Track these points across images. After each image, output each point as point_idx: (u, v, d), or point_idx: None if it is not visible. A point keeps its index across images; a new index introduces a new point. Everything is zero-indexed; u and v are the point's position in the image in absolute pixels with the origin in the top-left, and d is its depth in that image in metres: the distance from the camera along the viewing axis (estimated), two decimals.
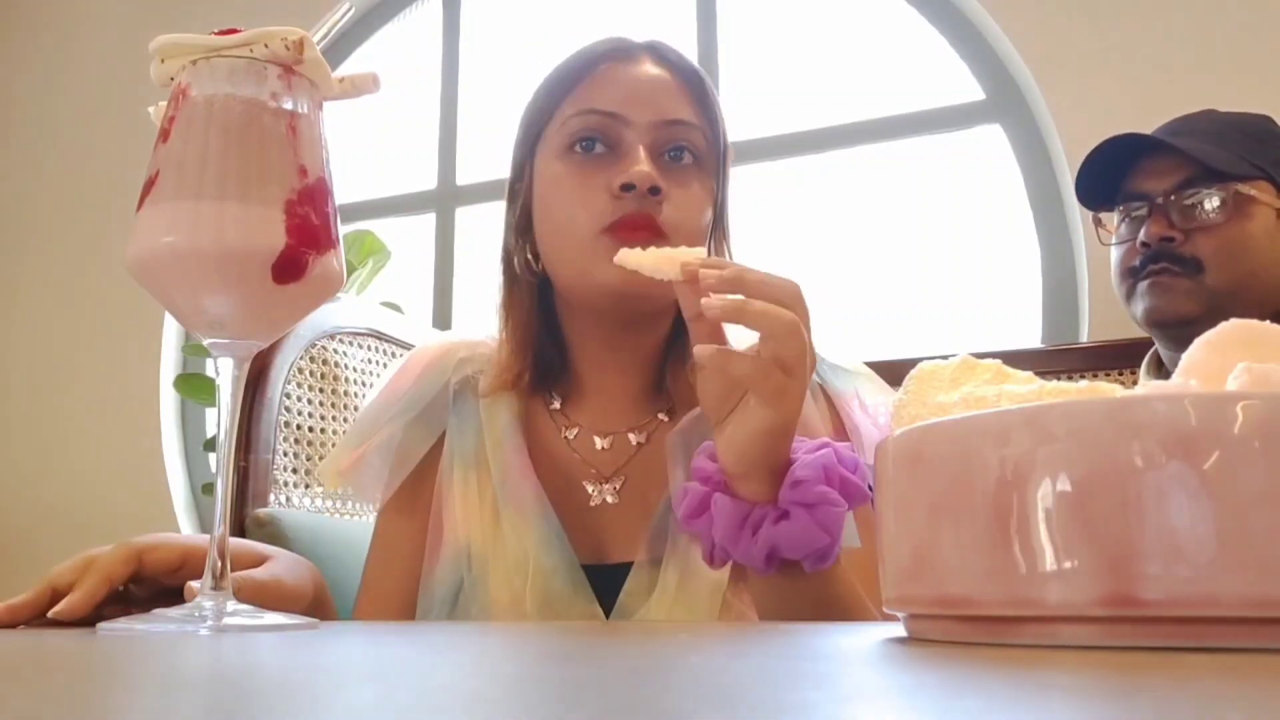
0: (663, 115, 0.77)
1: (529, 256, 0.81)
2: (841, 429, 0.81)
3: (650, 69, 0.80)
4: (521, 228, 0.82)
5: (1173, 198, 1.10)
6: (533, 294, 0.82)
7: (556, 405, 0.84)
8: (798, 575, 0.64)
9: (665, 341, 0.83)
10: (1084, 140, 1.62)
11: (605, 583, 0.75)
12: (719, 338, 0.65)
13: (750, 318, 0.59)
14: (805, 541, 0.61)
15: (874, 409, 0.82)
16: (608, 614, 0.74)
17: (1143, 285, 1.11)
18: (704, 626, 0.52)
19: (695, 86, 0.80)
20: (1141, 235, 1.11)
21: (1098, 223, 1.24)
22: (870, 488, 0.63)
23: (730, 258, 0.85)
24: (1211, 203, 1.09)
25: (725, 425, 0.64)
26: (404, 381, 0.84)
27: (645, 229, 0.74)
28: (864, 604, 0.67)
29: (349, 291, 1.99)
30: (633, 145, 0.76)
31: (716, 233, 0.83)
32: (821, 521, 0.61)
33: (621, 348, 0.82)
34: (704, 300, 0.60)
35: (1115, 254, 1.18)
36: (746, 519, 0.62)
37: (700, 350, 0.61)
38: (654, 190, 0.74)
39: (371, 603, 0.81)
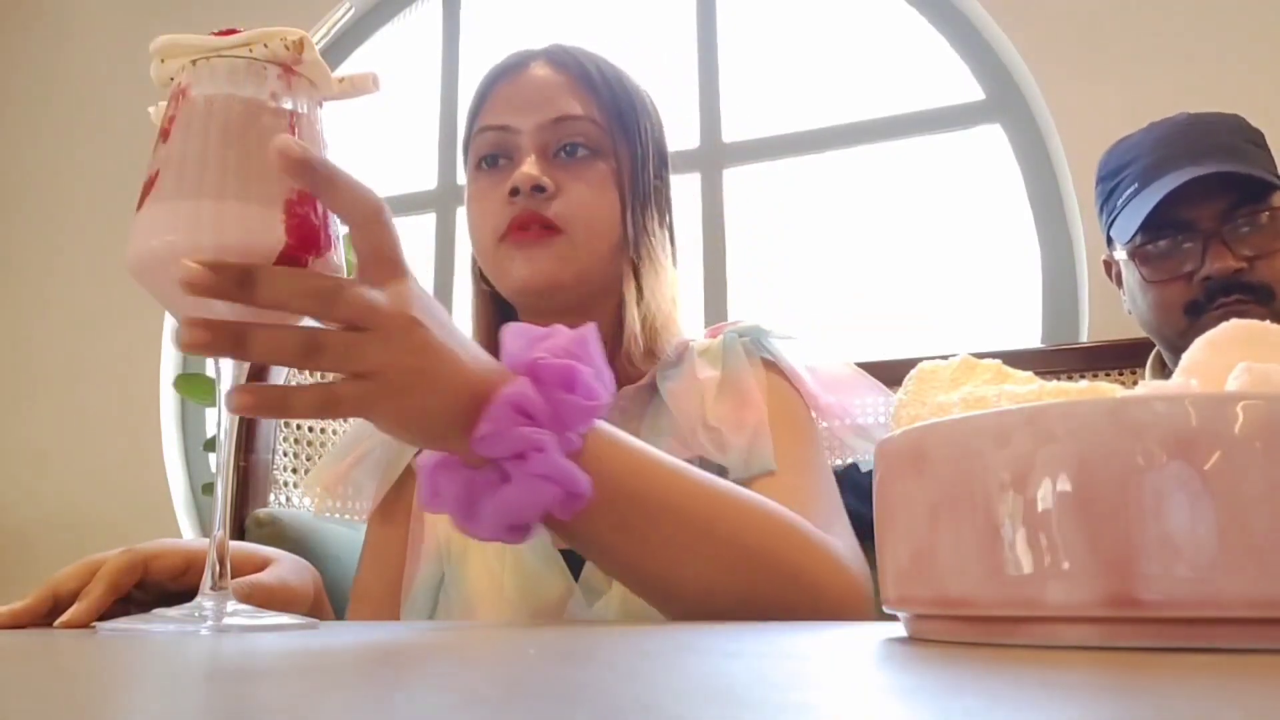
0: (547, 115, 0.79)
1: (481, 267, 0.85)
2: (797, 395, 0.79)
3: (540, 72, 0.82)
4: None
5: (1227, 224, 1.03)
6: (489, 301, 0.85)
7: None
8: (582, 531, 0.55)
9: (615, 328, 0.82)
10: (1084, 140, 1.62)
11: (579, 564, 0.75)
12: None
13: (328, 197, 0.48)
14: (530, 500, 0.51)
15: (820, 370, 0.82)
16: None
17: (1214, 321, 1.02)
18: (704, 626, 0.52)
19: (586, 80, 0.81)
20: (1206, 269, 1.02)
21: (1110, 266, 1.16)
22: (596, 394, 0.55)
23: (668, 247, 0.85)
24: (1265, 223, 1.03)
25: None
26: None
27: (534, 226, 0.77)
28: (768, 530, 0.60)
29: None
30: (524, 151, 0.79)
31: (644, 219, 0.82)
32: (541, 470, 0.51)
33: None
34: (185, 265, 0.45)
35: (1155, 292, 1.07)
36: (470, 491, 0.52)
37: (231, 398, 0.47)
38: (539, 189, 0.77)
39: (363, 608, 0.83)
